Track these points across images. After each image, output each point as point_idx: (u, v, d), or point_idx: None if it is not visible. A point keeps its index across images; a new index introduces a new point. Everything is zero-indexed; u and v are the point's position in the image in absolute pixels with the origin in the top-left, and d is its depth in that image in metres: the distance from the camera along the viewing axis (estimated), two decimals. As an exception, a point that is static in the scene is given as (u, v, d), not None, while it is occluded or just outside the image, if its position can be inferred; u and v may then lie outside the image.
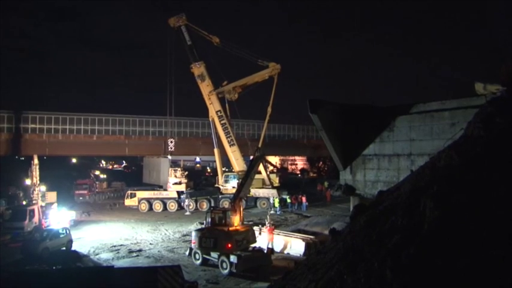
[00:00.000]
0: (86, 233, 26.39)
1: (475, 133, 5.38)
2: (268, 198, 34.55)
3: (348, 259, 4.41)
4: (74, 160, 78.18)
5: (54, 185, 38.87)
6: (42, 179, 32.61)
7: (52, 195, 35.03)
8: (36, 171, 31.71)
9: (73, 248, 21.72)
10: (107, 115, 41.10)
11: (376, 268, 3.81)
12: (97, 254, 20.99)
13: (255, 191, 24.26)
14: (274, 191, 23.29)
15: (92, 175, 57.49)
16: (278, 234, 22.34)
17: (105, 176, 63.42)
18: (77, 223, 29.24)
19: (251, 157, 44.45)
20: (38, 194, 30.62)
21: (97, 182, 51.26)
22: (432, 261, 3.48)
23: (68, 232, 22.35)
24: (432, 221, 3.95)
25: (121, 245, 23.02)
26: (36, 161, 32.75)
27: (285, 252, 20.89)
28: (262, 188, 24.44)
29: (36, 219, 25.12)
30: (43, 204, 29.51)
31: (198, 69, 38.40)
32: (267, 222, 22.68)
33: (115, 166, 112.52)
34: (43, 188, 32.93)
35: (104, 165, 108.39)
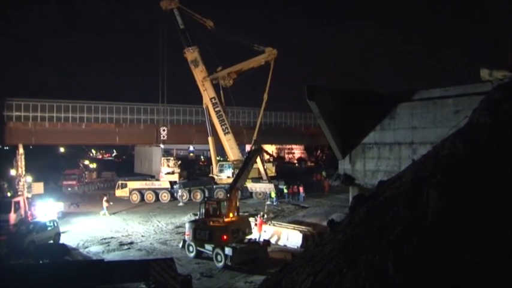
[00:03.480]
0: (75, 225, 26.41)
1: (480, 120, 5.35)
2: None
3: (347, 252, 4.40)
4: (61, 149, 77.82)
5: (41, 176, 38.67)
6: (28, 170, 32.38)
7: (39, 186, 34.86)
8: (21, 161, 31.47)
9: (61, 241, 21.72)
10: (96, 102, 40.77)
11: (377, 261, 3.80)
12: (86, 247, 21.02)
13: (251, 186, 24.40)
14: (271, 186, 23.39)
15: (81, 165, 57.31)
16: (274, 225, 22.48)
17: (94, 166, 63.27)
18: (65, 215, 29.21)
19: (246, 146, 44.43)
20: (23, 185, 30.43)
21: (86, 172, 51.12)
22: (435, 253, 3.47)
23: (55, 224, 22.30)
24: (435, 211, 3.93)
25: (111, 237, 23.08)
26: (21, 150, 32.47)
27: (282, 244, 21.04)
28: (259, 182, 24.56)
29: (21, 211, 25.02)
30: (29, 195, 29.36)
31: (191, 54, 38.11)
32: (260, 214, 22.81)
33: (105, 155, 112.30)
34: (29, 178, 32.73)
35: (94, 154, 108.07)
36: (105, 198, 31.14)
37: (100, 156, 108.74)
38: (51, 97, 39.47)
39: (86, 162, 67.10)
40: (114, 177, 49.89)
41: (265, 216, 23.18)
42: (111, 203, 31.82)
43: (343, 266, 4.13)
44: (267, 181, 23.88)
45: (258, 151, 22.98)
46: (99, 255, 19.56)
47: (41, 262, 16.74)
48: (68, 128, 38.63)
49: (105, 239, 22.69)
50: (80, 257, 19.39)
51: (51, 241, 21.34)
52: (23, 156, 31.94)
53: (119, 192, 37.36)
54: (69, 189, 43.85)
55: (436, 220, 3.85)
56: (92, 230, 24.77)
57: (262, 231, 21.28)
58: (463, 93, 10.29)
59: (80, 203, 34.91)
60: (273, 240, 21.13)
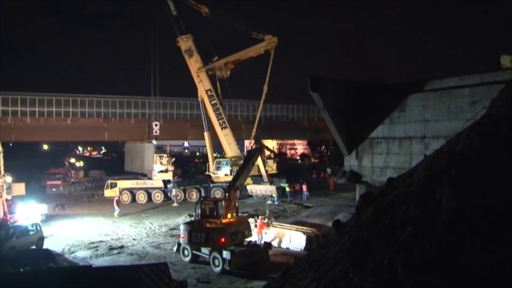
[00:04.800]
0: (60, 228, 26.38)
1: (500, 112, 5.31)
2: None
3: (354, 255, 4.40)
4: (45, 147, 77.95)
5: (23, 176, 38.54)
6: (7, 169, 32.25)
7: (20, 187, 34.72)
8: (0, 160, 31.42)
9: (44, 247, 21.72)
10: (83, 95, 40.70)
11: (385, 265, 3.79)
12: (73, 253, 21.04)
13: (251, 188, 24.40)
14: (273, 188, 23.39)
15: (67, 163, 57.35)
16: (276, 227, 22.51)
17: (81, 164, 63.32)
18: (49, 218, 29.20)
19: (245, 142, 44.34)
20: (2, 186, 30.36)
21: (72, 171, 51.03)
22: (450, 257, 3.45)
23: (38, 228, 22.28)
24: (450, 211, 3.92)
25: (100, 241, 23.09)
26: (0, 148, 32.41)
27: (284, 246, 21.09)
28: (260, 184, 24.57)
29: (0, 214, 25.00)
30: (9, 197, 29.32)
31: (185, 43, 38.03)
32: (261, 216, 22.82)
33: (93, 153, 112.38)
34: (9, 179, 32.65)
35: (80, 152, 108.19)
36: (116, 199, 32.29)
37: (87, 154, 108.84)
38: (33, 90, 39.46)
39: (72, 160, 67.20)
40: (103, 177, 49.87)
41: (267, 219, 23.17)
42: (121, 203, 33.04)
43: (349, 270, 4.13)
44: (268, 183, 23.83)
45: (259, 150, 22.95)
46: (87, 260, 19.58)
47: (22, 270, 16.63)
48: (51, 123, 38.53)
49: (93, 243, 22.70)
50: (65, 263, 19.39)
51: (34, 247, 21.34)
52: (1, 155, 31.86)
53: (108, 193, 37.31)
54: (54, 189, 43.77)
55: (450, 220, 3.83)
56: (79, 234, 24.79)
57: (262, 233, 21.32)
58: (481, 82, 10.24)
59: (65, 205, 34.94)
60: (274, 243, 21.17)
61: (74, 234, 24.66)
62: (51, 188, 43.93)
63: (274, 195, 32.46)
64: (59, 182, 44.90)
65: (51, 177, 45.29)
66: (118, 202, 31.96)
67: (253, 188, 24.87)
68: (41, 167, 52.66)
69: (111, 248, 21.63)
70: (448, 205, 3.99)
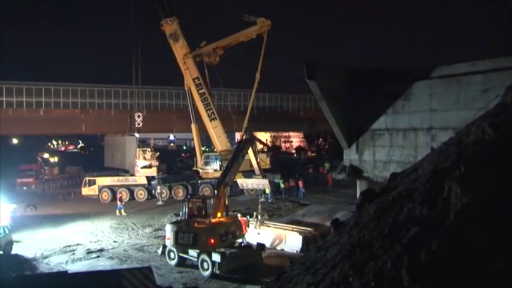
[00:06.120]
0: (32, 231, 26.13)
1: (515, 100, 5.32)
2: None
3: (354, 257, 4.40)
4: (14, 141, 77.16)
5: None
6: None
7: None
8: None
9: (14, 252, 21.51)
10: (57, 84, 40.38)
11: (388, 268, 3.78)
12: (46, 257, 20.89)
13: (241, 182, 24.43)
14: (266, 182, 23.41)
15: (39, 159, 57.09)
16: (269, 226, 22.58)
17: (56, 160, 63.02)
18: (19, 219, 28.87)
19: (236, 134, 44.27)
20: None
21: (46, 168, 50.84)
22: (459, 260, 3.44)
23: (6, 231, 22.01)
24: (459, 209, 3.91)
25: (77, 244, 23.00)
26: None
27: (279, 248, 21.16)
28: (251, 177, 24.59)
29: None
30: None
31: (170, 26, 37.81)
32: (252, 216, 22.88)
33: (69, 147, 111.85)
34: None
35: (55, 146, 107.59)
36: (119, 196, 33.39)
37: (63, 148, 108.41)
38: None
39: (45, 155, 66.81)
40: (80, 173, 49.76)
41: (259, 216, 23.23)
42: (125, 200, 33.98)
43: (349, 274, 4.13)
44: (260, 176, 23.85)
45: (250, 141, 22.97)
46: (62, 266, 19.46)
47: None
48: (21, 114, 38.19)
49: (69, 246, 22.59)
50: (38, 269, 19.24)
51: (1, 252, 21.13)
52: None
53: (86, 191, 37.25)
54: (25, 188, 43.48)
55: (460, 220, 3.82)
56: (54, 237, 24.65)
57: (246, 232, 21.31)
58: (495, 68, 10.23)
59: (38, 205, 34.62)
60: (268, 244, 21.23)
61: (47, 237, 24.50)
62: (21, 186, 43.56)
63: (267, 191, 32.54)
64: (30, 180, 44.60)
65: (22, 174, 44.94)
66: (121, 198, 32.77)
67: (244, 182, 24.88)
68: (10, 163, 52.00)
69: (89, 252, 21.55)
70: (457, 203, 3.99)
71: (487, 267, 3.26)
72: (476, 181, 4.11)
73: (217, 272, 17.38)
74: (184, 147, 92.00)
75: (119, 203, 31.70)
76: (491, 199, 3.86)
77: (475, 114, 6.01)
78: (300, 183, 36.70)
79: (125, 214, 30.74)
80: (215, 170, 37.05)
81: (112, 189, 37.09)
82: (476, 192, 3.99)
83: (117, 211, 30.96)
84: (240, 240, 19.91)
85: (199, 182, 37.70)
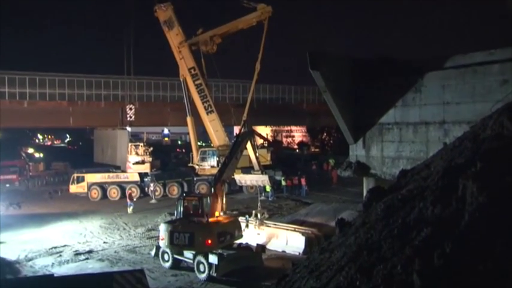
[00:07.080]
0: (16, 232, 26.12)
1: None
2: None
3: (361, 259, 4.40)
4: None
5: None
6: None
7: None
8: None
9: None
10: (43, 74, 40.30)
11: (398, 272, 3.78)
12: (31, 260, 20.84)
13: (240, 178, 24.42)
14: (265, 178, 23.38)
15: (23, 154, 57.03)
16: (270, 226, 22.61)
17: (41, 155, 62.95)
18: (1, 219, 28.92)
19: (235, 128, 44.26)
20: None
21: (30, 163, 50.83)
22: (474, 263, 3.42)
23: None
24: (475, 209, 3.91)
25: (64, 245, 22.99)
26: None
27: (280, 249, 21.20)
28: (250, 173, 24.58)
29: None
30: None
31: (164, 12, 37.73)
32: (251, 215, 22.90)
33: (55, 142, 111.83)
34: None
35: (40, 140, 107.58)
36: (128, 192, 33.22)
37: (49, 143, 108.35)
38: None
39: (30, 150, 66.75)
40: (68, 169, 49.74)
41: (259, 215, 23.27)
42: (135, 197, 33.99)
43: (356, 277, 4.14)
44: (259, 172, 23.84)
45: (249, 135, 22.90)
46: (48, 269, 19.44)
47: None
48: (3, 106, 38.04)
49: (55, 247, 22.56)
50: (21, 273, 19.23)
51: None
52: None
53: (74, 188, 37.23)
54: (8, 185, 43.33)
55: (476, 220, 3.82)
56: (39, 237, 24.60)
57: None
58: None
59: (21, 203, 34.58)
60: (268, 245, 21.28)
61: (32, 238, 24.45)
62: (4, 184, 43.48)
63: (267, 188, 32.59)
64: (13, 177, 44.60)
65: (5, 170, 44.77)
66: (131, 196, 32.59)
67: (242, 178, 24.85)
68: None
69: (77, 253, 21.54)
70: (472, 202, 3.98)
71: (504, 271, 3.26)
72: (494, 179, 4.11)
73: (214, 274, 17.39)
74: (180, 142, 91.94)
75: (128, 200, 31.67)
76: (510, 198, 3.86)
77: (492, 107, 6.01)
78: (303, 181, 36.69)
79: (134, 213, 30.79)
80: (212, 167, 37.04)
81: (102, 186, 37.11)
82: (493, 190, 3.98)
83: (128, 208, 31.08)
84: (238, 241, 19.94)
85: (195, 179, 37.70)
